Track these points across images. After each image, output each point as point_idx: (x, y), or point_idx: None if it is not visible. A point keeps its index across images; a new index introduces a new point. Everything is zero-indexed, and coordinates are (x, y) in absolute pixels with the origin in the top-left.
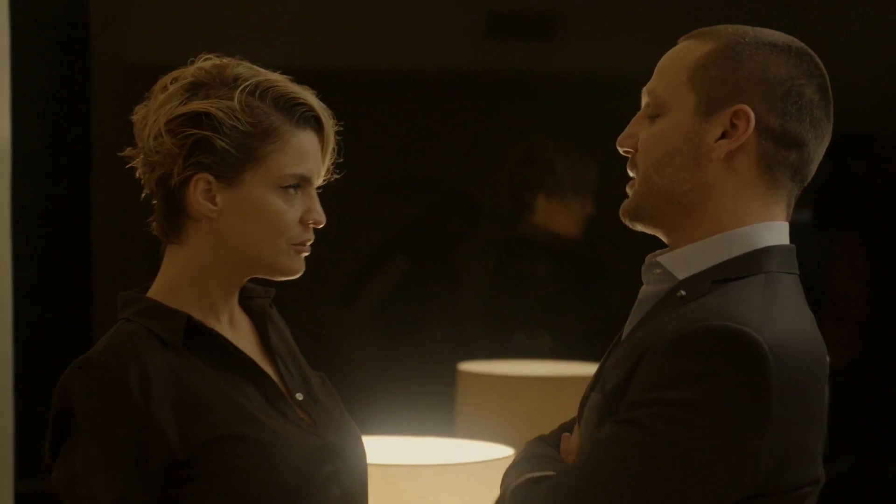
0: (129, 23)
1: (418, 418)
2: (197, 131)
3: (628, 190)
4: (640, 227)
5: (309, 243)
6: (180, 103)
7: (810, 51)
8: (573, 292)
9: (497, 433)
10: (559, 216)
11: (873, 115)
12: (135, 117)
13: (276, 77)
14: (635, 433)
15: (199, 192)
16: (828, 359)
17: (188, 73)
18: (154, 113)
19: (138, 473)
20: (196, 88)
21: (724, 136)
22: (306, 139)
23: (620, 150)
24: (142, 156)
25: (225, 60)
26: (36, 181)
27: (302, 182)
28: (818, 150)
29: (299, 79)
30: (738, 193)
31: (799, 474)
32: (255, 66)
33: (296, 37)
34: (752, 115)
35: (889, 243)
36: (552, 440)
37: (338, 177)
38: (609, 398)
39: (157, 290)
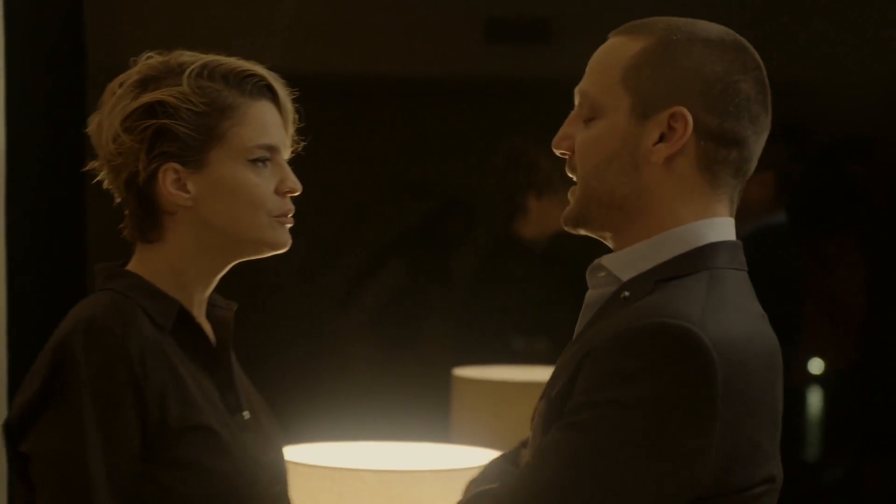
0: (124, 24)
1: (414, 423)
2: (153, 121)
3: (570, 196)
4: (583, 233)
5: (290, 214)
6: (131, 100)
7: (745, 42)
8: (570, 297)
9: (493, 439)
10: (555, 221)
11: (872, 118)
12: (90, 128)
13: (220, 57)
14: (574, 437)
15: (169, 183)
16: (780, 355)
17: (133, 72)
18: (108, 117)
19: (137, 445)
20: (145, 84)
21: (661, 138)
22: (264, 109)
23: (556, 153)
24: (105, 163)
25: (170, 52)
26: (31, 183)
27: (269, 153)
28: (758, 145)
29: (295, 83)
30: (679, 194)
31: (749, 473)
32: (198, 54)
33: (292, 40)
34: (689, 117)
35: (888, 247)
36: (512, 458)
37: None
38: (553, 403)
39: (142, 274)
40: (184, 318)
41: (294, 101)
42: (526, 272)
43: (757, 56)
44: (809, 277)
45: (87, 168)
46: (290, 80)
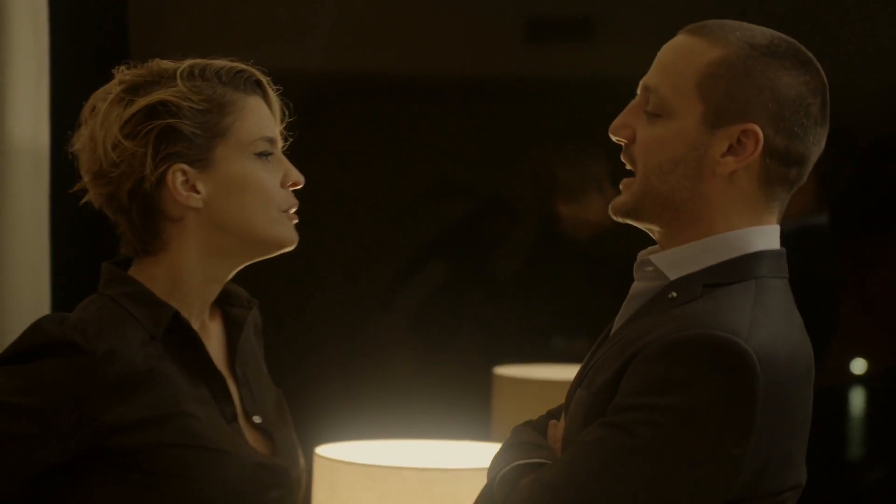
0: (168, 28)
1: (454, 422)
2: (157, 122)
3: (622, 187)
4: (629, 222)
5: (294, 210)
6: (126, 106)
7: (812, 57)
8: (609, 296)
9: None
10: (594, 221)
11: None
12: (77, 147)
13: (202, 59)
14: (619, 436)
15: (179, 185)
16: (813, 364)
17: (114, 83)
18: (101, 128)
19: (43, 454)
20: (134, 90)
21: (729, 150)
22: (258, 104)
23: (613, 138)
24: (99, 180)
25: (143, 64)
26: (76, 185)
27: (271, 146)
28: (815, 159)
29: (335, 83)
30: (735, 205)
31: (778, 480)
32: (178, 61)
33: (333, 41)
34: (761, 136)
35: None
36: (540, 426)
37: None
38: (595, 396)
39: (144, 280)
40: (178, 326)
41: (335, 101)
42: (567, 272)
43: (823, 74)
44: (852, 278)
45: (74, 189)
46: (332, 81)
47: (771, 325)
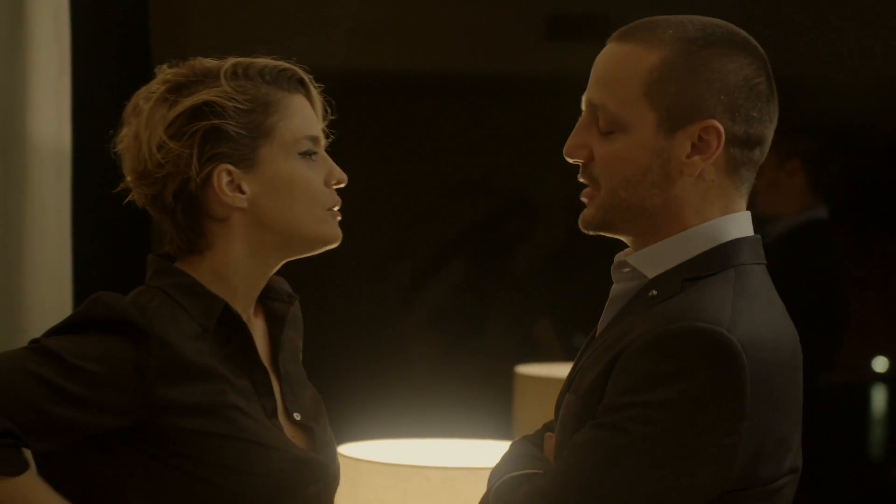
0: (188, 25)
1: (477, 420)
2: (203, 123)
3: (585, 199)
4: (601, 234)
5: (338, 207)
6: (170, 107)
7: (745, 35)
8: None
9: None
10: None
11: None
12: (120, 146)
13: (244, 58)
14: (612, 436)
15: (224, 185)
16: (800, 347)
17: (157, 83)
18: (146, 128)
19: (93, 404)
20: (178, 90)
21: (692, 149)
22: (301, 102)
23: (569, 160)
24: (143, 180)
25: (187, 60)
26: (97, 183)
27: (315, 145)
28: (772, 134)
29: (358, 81)
30: (706, 197)
31: (775, 466)
32: (220, 59)
33: (354, 39)
34: (722, 130)
35: None
36: (536, 439)
37: (400, 178)
38: (583, 399)
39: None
40: (228, 318)
41: (356, 100)
42: (588, 270)
43: (759, 47)
44: (874, 275)
45: (118, 189)
46: (353, 78)
47: (753, 311)
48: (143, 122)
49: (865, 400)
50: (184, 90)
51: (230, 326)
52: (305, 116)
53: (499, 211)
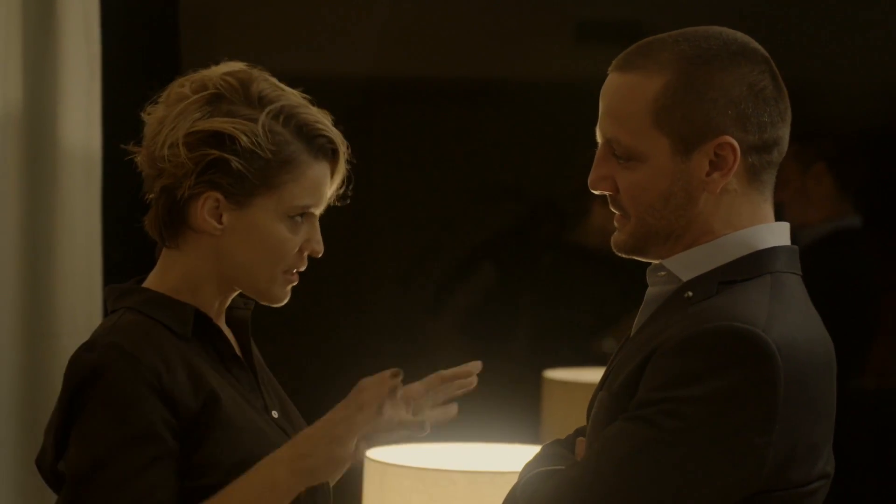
0: (218, 31)
1: (505, 425)
2: (216, 152)
3: (616, 224)
4: (633, 258)
5: (297, 272)
6: (201, 117)
7: (742, 38)
8: None
9: None
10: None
11: None
12: (149, 117)
13: (298, 100)
14: (643, 429)
15: (207, 209)
16: (834, 355)
17: (210, 82)
18: (172, 121)
19: (165, 438)
20: (218, 101)
21: (711, 166)
22: (321, 170)
23: (595, 193)
24: (149, 157)
25: (249, 72)
26: (127, 189)
27: (306, 210)
28: (787, 131)
29: (384, 87)
30: (732, 207)
31: (806, 471)
32: (277, 83)
33: (383, 45)
34: (736, 145)
35: None
36: (567, 443)
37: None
38: (616, 396)
39: (156, 287)
40: (202, 322)
41: (384, 105)
42: (617, 275)
43: (758, 46)
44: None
45: (127, 147)
46: (381, 85)
47: (789, 315)
48: (173, 116)
49: (894, 406)
50: (223, 105)
51: (206, 331)
52: (315, 189)
53: (528, 216)
